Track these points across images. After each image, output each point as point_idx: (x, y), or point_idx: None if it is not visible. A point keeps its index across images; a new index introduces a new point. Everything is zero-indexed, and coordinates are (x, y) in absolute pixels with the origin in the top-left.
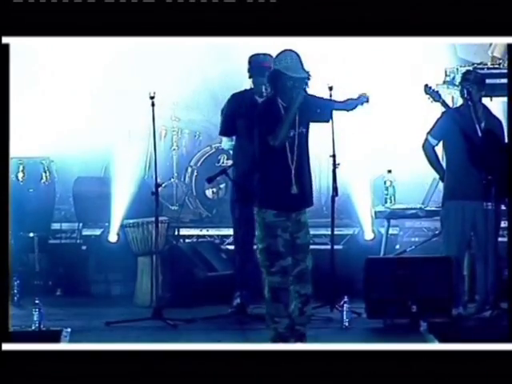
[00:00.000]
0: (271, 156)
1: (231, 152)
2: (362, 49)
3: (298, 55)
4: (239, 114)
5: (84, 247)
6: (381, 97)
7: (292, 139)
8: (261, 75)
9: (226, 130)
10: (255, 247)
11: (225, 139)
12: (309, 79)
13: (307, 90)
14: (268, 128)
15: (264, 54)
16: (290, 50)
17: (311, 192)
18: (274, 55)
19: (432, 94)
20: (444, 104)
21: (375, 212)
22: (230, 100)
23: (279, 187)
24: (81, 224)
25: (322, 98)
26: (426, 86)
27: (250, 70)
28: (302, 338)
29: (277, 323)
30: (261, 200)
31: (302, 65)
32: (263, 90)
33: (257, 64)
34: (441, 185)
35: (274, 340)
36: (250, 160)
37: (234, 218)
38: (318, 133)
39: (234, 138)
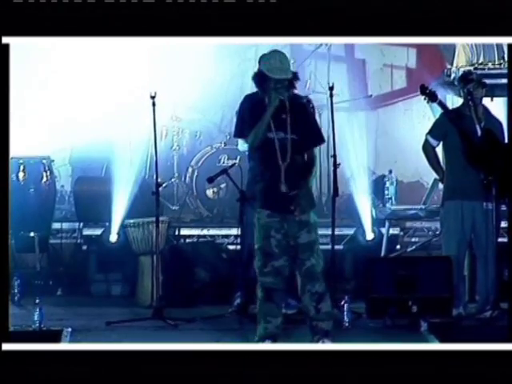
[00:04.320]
0: (262, 155)
1: (246, 153)
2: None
3: (283, 56)
4: (254, 115)
5: (84, 247)
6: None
7: (282, 141)
8: None
9: (241, 132)
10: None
11: (241, 141)
12: (292, 81)
13: (293, 91)
14: (249, 126)
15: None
16: (275, 51)
17: (308, 196)
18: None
19: (429, 95)
20: (441, 105)
21: (376, 212)
22: (244, 101)
23: (268, 186)
24: (81, 224)
25: (311, 124)
26: (423, 86)
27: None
28: (326, 335)
29: (269, 322)
30: (255, 200)
31: (285, 66)
32: None
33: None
34: (441, 185)
35: (263, 338)
36: None
37: (240, 218)
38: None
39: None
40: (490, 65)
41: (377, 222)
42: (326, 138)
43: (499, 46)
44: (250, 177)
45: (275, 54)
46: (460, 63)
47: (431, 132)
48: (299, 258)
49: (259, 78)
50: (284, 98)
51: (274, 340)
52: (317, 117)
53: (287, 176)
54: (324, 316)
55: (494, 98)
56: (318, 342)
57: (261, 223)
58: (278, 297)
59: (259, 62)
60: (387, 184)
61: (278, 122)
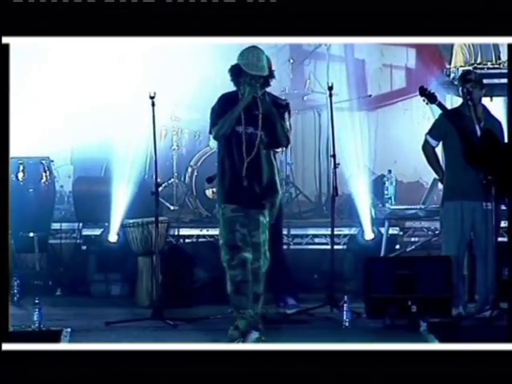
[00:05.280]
0: (228, 150)
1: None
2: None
3: (261, 53)
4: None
5: (84, 247)
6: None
7: (250, 136)
8: None
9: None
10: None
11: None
12: (267, 79)
13: (265, 89)
14: (213, 120)
15: None
16: (254, 47)
17: (271, 194)
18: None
19: (428, 96)
20: (441, 106)
21: (375, 212)
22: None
23: (232, 181)
24: (81, 224)
25: (278, 125)
26: (422, 88)
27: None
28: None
29: (242, 314)
30: (219, 195)
31: (262, 63)
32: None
33: None
34: (440, 185)
35: (246, 329)
36: None
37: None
38: (317, 133)
39: None
40: (489, 64)
41: (376, 222)
42: (291, 142)
43: (495, 46)
44: (218, 171)
45: (254, 51)
46: (458, 63)
47: (431, 132)
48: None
49: (235, 71)
50: (257, 95)
51: (258, 329)
52: (290, 121)
53: (251, 171)
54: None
55: (494, 98)
56: (243, 342)
57: (225, 218)
58: (247, 289)
59: (238, 56)
60: (387, 184)
61: (249, 117)
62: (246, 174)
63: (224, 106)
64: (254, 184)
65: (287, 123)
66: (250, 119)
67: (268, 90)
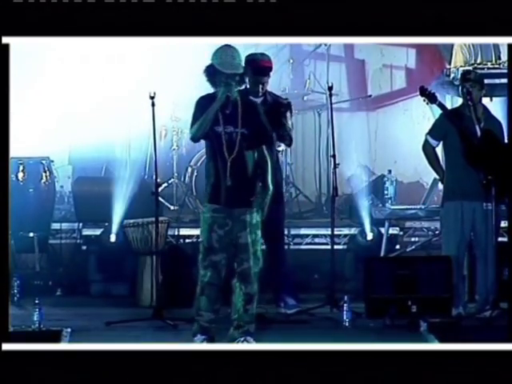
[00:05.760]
0: (211, 151)
1: None
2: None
3: (235, 51)
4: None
5: (84, 247)
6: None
7: (230, 135)
8: (260, 75)
9: None
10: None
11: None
12: (242, 76)
13: (241, 86)
14: (191, 123)
15: (261, 54)
16: (228, 46)
17: (252, 193)
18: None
19: (428, 96)
20: (441, 106)
21: (375, 212)
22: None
23: (216, 181)
24: (81, 224)
25: (263, 122)
26: (422, 88)
27: (246, 70)
28: (247, 336)
29: (200, 316)
30: (204, 195)
31: (237, 61)
32: (260, 89)
33: (256, 64)
34: (440, 185)
35: (196, 333)
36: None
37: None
38: (317, 133)
39: None
40: (489, 64)
41: (376, 222)
42: (273, 139)
43: (496, 46)
44: (205, 172)
45: (227, 49)
46: (458, 63)
47: (431, 132)
48: (238, 256)
49: (210, 71)
50: (231, 94)
51: (208, 336)
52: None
53: (233, 171)
54: (249, 318)
55: (494, 98)
56: (242, 342)
57: (205, 217)
58: (211, 291)
59: (211, 56)
60: (387, 184)
61: (228, 116)
62: (230, 173)
63: (201, 109)
64: (238, 183)
65: (289, 122)
66: (229, 118)
67: (268, 89)
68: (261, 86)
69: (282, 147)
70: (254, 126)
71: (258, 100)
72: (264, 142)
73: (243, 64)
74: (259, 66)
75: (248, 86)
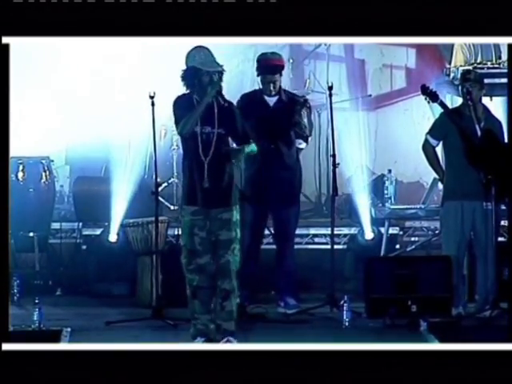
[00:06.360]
0: (187, 152)
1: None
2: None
3: (209, 50)
4: (249, 115)
5: (84, 247)
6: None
7: (207, 135)
8: (269, 73)
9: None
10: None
11: None
12: (223, 73)
13: (222, 84)
14: (177, 120)
15: (272, 53)
16: (201, 46)
17: (229, 192)
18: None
19: (430, 94)
20: (442, 105)
21: (375, 212)
22: (240, 100)
23: (193, 182)
24: (81, 224)
25: (239, 126)
26: (424, 86)
27: (258, 69)
28: (227, 335)
29: (196, 319)
30: (182, 197)
31: (215, 59)
32: (271, 88)
33: (265, 62)
34: (440, 185)
35: (195, 336)
36: (259, 160)
37: (240, 217)
38: (317, 132)
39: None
40: (489, 64)
41: (376, 222)
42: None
43: (496, 46)
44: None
45: (203, 50)
46: (458, 63)
47: (431, 132)
48: (217, 253)
49: (191, 73)
50: (220, 89)
51: (208, 338)
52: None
53: (210, 171)
54: (226, 315)
55: (494, 98)
56: (225, 342)
57: (185, 220)
58: (203, 294)
59: (187, 60)
60: (387, 184)
61: (206, 116)
62: (208, 174)
63: (181, 107)
64: (214, 184)
65: (304, 120)
66: (207, 118)
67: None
68: (272, 85)
69: (303, 145)
70: (232, 124)
71: (273, 99)
72: (240, 142)
73: (218, 62)
74: (269, 65)
75: (260, 86)
